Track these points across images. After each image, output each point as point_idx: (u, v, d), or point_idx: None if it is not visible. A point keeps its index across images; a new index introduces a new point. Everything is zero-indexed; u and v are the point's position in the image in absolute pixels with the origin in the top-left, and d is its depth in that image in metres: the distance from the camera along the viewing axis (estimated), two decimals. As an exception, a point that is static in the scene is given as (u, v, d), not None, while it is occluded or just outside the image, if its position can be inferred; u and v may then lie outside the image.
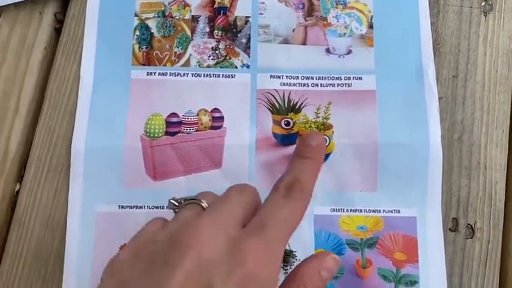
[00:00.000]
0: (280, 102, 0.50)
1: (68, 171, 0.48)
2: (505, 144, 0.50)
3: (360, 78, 0.51)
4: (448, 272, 0.47)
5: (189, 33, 0.51)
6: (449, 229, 0.48)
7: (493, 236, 0.48)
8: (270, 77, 0.50)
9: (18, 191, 0.49)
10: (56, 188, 0.49)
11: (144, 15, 0.52)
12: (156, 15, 0.52)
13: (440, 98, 0.50)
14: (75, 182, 0.48)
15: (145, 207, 0.48)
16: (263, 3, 0.52)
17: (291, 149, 0.49)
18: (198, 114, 0.49)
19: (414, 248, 0.48)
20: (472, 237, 0.48)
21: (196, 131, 0.49)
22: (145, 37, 0.51)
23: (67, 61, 0.51)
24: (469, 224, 0.49)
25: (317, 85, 0.50)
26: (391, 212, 0.48)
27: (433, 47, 0.51)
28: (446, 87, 0.51)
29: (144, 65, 0.50)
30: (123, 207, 0.48)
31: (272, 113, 0.50)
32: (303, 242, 0.47)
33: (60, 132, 0.49)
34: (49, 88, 0.50)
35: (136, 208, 0.48)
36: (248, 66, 0.51)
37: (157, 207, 0.48)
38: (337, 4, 0.52)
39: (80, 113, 0.49)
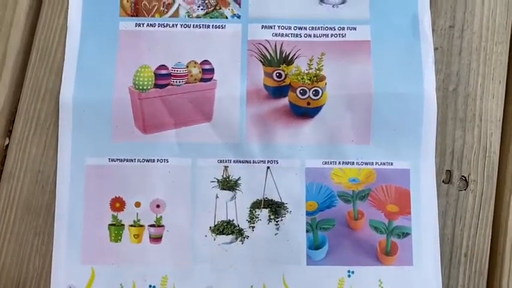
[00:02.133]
0: (272, 53, 0.48)
1: (57, 125, 0.47)
2: (501, 96, 0.48)
3: (354, 29, 0.48)
4: (440, 223, 0.46)
5: (178, -18, 0.49)
6: (443, 181, 0.47)
7: (486, 188, 0.47)
8: (262, 28, 0.48)
9: (7, 146, 0.47)
10: (45, 142, 0.47)
11: (132, -36, 0.49)
12: (144, -36, 0.49)
13: (436, 49, 0.48)
14: (64, 135, 0.46)
15: (136, 160, 0.46)
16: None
17: (282, 101, 0.47)
18: (187, 66, 0.47)
19: (407, 200, 0.46)
20: (465, 189, 0.47)
21: (186, 83, 0.47)
22: (133, -13, 0.48)
23: (54, 12, 0.49)
24: (463, 176, 0.47)
25: (310, 36, 0.48)
26: (384, 164, 0.47)
27: (430, -4, 0.49)
28: (443, 38, 0.49)
29: (132, 15, 0.48)
30: (113, 160, 0.46)
31: (263, 65, 0.48)
32: (294, 195, 0.46)
33: (48, 85, 0.48)
34: (36, 40, 0.48)
35: (127, 161, 0.46)
36: (239, 17, 0.48)
37: (147, 161, 0.46)
38: (331, -49, 0.49)
39: (67, 65, 0.47)
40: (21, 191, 0.47)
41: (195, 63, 0.47)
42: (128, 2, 0.48)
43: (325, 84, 0.47)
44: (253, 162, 0.47)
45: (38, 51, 0.48)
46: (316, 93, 0.47)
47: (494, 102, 0.48)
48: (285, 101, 0.47)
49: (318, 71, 0.47)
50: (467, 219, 0.46)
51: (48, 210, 0.46)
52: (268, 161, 0.47)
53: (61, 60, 0.48)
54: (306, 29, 0.48)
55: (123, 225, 0.46)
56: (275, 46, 0.48)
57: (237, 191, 0.46)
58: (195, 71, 0.47)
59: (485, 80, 0.48)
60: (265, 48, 0.48)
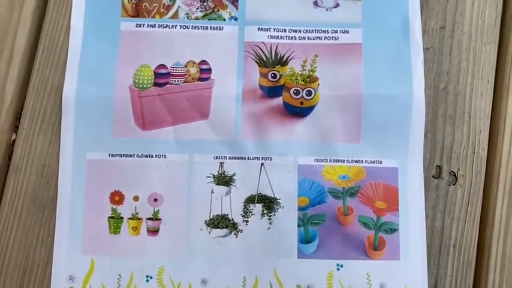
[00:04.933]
0: (267, 54, 0.48)
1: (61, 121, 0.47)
2: (489, 94, 0.48)
3: (347, 32, 0.48)
4: (430, 216, 0.46)
5: (178, -15, 0.49)
6: (433, 176, 0.47)
7: (475, 182, 0.47)
8: (258, 30, 0.48)
9: (14, 141, 0.47)
10: (50, 137, 0.47)
11: (134, -33, 0.49)
12: (145, -33, 0.49)
13: (427, 49, 0.48)
14: (66, 130, 0.46)
15: (135, 155, 0.46)
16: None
17: (276, 101, 0.47)
18: (186, 66, 0.47)
19: (395, 197, 0.46)
20: (454, 184, 0.47)
21: (184, 82, 0.47)
22: (134, -11, 0.48)
23: (59, 12, 0.49)
24: (452, 171, 0.47)
25: (304, 38, 0.48)
26: (373, 162, 0.46)
27: (421, -1, 0.48)
28: (434, 38, 0.48)
29: (133, 16, 0.48)
30: (113, 155, 0.46)
31: (259, 66, 0.47)
32: (286, 190, 0.46)
33: (53, 82, 0.48)
34: (42, 39, 0.48)
35: (126, 156, 0.46)
36: (236, 19, 0.48)
37: (146, 156, 0.46)
38: (325, -44, 0.49)
39: (70, 64, 0.47)
40: (27, 184, 0.47)
41: (194, 63, 0.47)
42: (129, 3, 0.48)
43: (318, 85, 0.47)
44: (248, 159, 0.46)
45: (43, 49, 0.48)
46: (309, 93, 0.47)
47: (483, 100, 0.48)
48: (279, 100, 0.47)
49: (311, 72, 0.47)
50: (456, 213, 0.46)
51: (53, 202, 0.46)
52: (262, 158, 0.46)
53: (66, 59, 0.48)
54: (300, 32, 0.48)
55: (122, 218, 0.46)
56: (270, 48, 0.48)
57: (231, 186, 0.46)
58: (193, 70, 0.47)
59: (475, 78, 0.48)
60: (261, 50, 0.48)
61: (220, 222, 0.46)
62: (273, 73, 0.47)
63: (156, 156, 0.46)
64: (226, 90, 0.47)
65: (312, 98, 0.47)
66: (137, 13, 0.48)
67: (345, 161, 0.46)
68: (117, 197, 0.46)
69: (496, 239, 0.46)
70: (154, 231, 0.46)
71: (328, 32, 0.48)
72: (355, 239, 0.45)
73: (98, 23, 0.48)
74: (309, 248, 0.45)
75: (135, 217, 0.46)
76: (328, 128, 0.47)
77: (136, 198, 0.46)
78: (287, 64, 0.48)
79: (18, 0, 0.49)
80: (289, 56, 0.48)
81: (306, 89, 0.47)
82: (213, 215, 0.46)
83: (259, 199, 0.46)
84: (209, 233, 0.46)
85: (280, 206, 0.46)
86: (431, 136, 0.47)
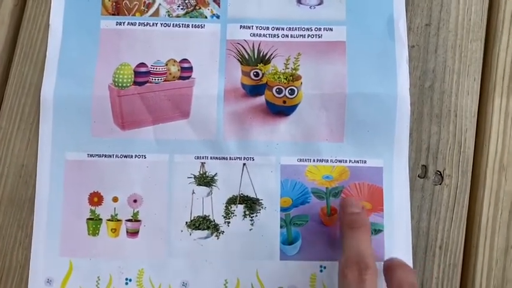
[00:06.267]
0: (249, 53, 0.46)
1: (40, 121, 0.45)
2: (476, 92, 0.46)
3: (331, 30, 0.46)
4: (416, 217, 0.44)
5: (159, -18, 0.47)
6: (419, 176, 0.45)
7: (461, 182, 0.45)
8: (240, 28, 0.46)
9: (-8, 140, 0.46)
10: (28, 137, 0.45)
11: (114, -35, 0.47)
12: (126, -35, 0.47)
13: (412, 47, 0.46)
14: (45, 129, 0.45)
15: (114, 156, 0.44)
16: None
17: (259, 99, 0.45)
18: (166, 64, 0.45)
19: (379, 198, 0.44)
20: (440, 184, 0.45)
21: (165, 81, 0.45)
22: (115, -13, 0.47)
23: (38, 10, 0.47)
24: (438, 171, 0.45)
25: (287, 36, 0.46)
26: (358, 162, 0.45)
27: (406, -5, 0.47)
28: (419, 36, 0.47)
29: (113, 14, 0.46)
30: (92, 155, 0.44)
31: (241, 64, 0.46)
32: (269, 191, 0.44)
33: (32, 81, 0.46)
34: (20, 37, 0.47)
35: (105, 157, 0.44)
36: (218, 17, 0.46)
37: (125, 156, 0.45)
38: (309, -47, 0.47)
39: (49, 62, 0.45)
40: (5, 185, 0.45)
41: (174, 61, 0.46)
42: (109, 1, 0.46)
43: (301, 83, 0.45)
44: (230, 159, 0.45)
45: (22, 47, 0.46)
46: (291, 92, 0.45)
47: (469, 99, 0.46)
48: (261, 99, 0.45)
49: (294, 71, 0.46)
50: (442, 213, 0.45)
51: (31, 203, 0.44)
52: (244, 158, 0.45)
53: (45, 57, 0.46)
54: (283, 30, 0.46)
55: (100, 219, 0.44)
56: (253, 46, 0.46)
57: (213, 187, 0.45)
58: (174, 69, 0.45)
59: (461, 76, 0.46)
60: (243, 48, 0.46)
61: (201, 223, 0.44)
62: (256, 71, 0.46)
63: (135, 156, 0.45)
64: (208, 89, 0.45)
65: (295, 96, 0.45)
66: (117, 11, 0.46)
67: (329, 161, 0.45)
68: (95, 198, 0.44)
69: (483, 240, 0.45)
70: (134, 233, 0.44)
71: (311, 30, 0.46)
72: (339, 240, 0.44)
73: (77, 21, 0.46)
74: (291, 250, 0.44)
75: (114, 218, 0.44)
76: (312, 127, 0.45)
77: (115, 199, 0.44)
78: (270, 62, 0.46)
79: (-4, -1, 0.47)
80: (271, 54, 0.46)
81: (289, 88, 0.45)
82: (194, 216, 0.44)
83: (241, 200, 0.44)
84: (190, 234, 0.44)
85: (262, 207, 0.44)
86: (416, 135, 0.46)
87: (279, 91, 0.45)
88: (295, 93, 0.45)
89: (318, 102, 0.45)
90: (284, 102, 0.45)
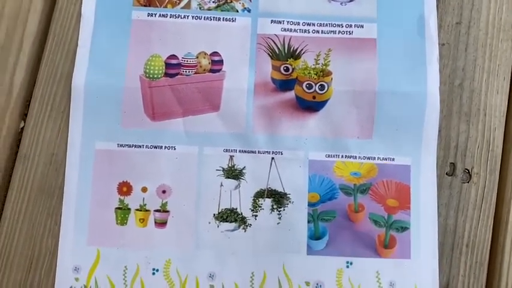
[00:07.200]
0: (280, 47, 0.45)
1: (71, 109, 0.45)
2: (505, 92, 0.46)
3: (362, 26, 0.46)
4: (443, 214, 0.44)
5: (191, -25, 0.47)
6: (447, 173, 0.45)
7: (489, 181, 0.45)
8: (271, 22, 0.46)
9: (22, 128, 0.46)
10: (59, 126, 0.45)
11: (147, -44, 0.47)
12: (158, -44, 0.47)
13: (442, 45, 0.46)
14: (75, 118, 0.45)
15: (144, 146, 0.44)
16: None
17: (288, 94, 0.45)
18: (197, 57, 0.45)
19: (407, 196, 0.44)
20: (468, 182, 0.45)
21: (195, 73, 0.45)
22: (147, -22, 0.46)
23: (70, 0, 0.47)
24: (466, 169, 0.45)
25: (318, 32, 0.46)
26: (386, 159, 0.44)
27: (438, -6, 0.46)
28: (449, 34, 0.46)
29: (145, 5, 0.46)
30: (121, 145, 0.44)
31: (271, 58, 0.45)
32: (296, 186, 0.44)
33: (63, 70, 0.46)
34: (52, 26, 0.46)
35: (135, 147, 0.44)
36: (249, 10, 0.46)
37: (155, 147, 0.44)
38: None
39: (80, 51, 0.45)
40: (35, 173, 0.45)
41: (205, 54, 0.45)
42: (142, -8, 0.46)
43: (331, 79, 0.45)
44: (258, 153, 0.44)
45: (54, 37, 0.46)
46: (322, 87, 0.45)
47: (499, 98, 0.46)
48: (291, 94, 0.45)
49: (324, 66, 0.45)
50: (470, 211, 0.44)
51: (61, 191, 0.44)
52: (273, 152, 0.44)
53: (76, 47, 0.46)
54: (314, 25, 0.46)
55: (129, 209, 0.44)
56: (283, 41, 0.46)
57: (241, 180, 0.44)
58: (205, 62, 0.45)
59: (490, 75, 0.46)
60: (274, 43, 0.46)
61: (229, 216, 0.44)
62: (286, 66, 0.45)
63: (165, 147, 0.44)
64: (238, 82, 0.45)
65: (325, 92, 0.45)
66: (149, 2, 0.46)
67: (357, 157, 0.44)
68: (125, 188, 0.44)
69: (509, 239, 0.44)
70: (162, 224, 0.44)
71: (342, 26, 0.46)
72: (366, 236, 0.43)
73: (109, 11, 0.46)
74: (318, 245, 0.43)
75: (142, 208, 0.44)
76: (341, 123, 0.45)
77: (144, 190, 0.44)
78: (300, 57, 0.45)
79: (30, -13, 0.47)
80: (302, 50, 0.46)
81: (319, 83, 0.45)
82: (222, 209, 0.44)
83: (268, 194, 0.44)
84: (217, 226, 0.44)
85: (290, 202, 0.44)
86: (445, 133, 0.45)
87: (309, 86, 0.45)
88: (326, 88, 0.45)
89: (348, 98, 0.45)
90: (314, 97, 0.45)
